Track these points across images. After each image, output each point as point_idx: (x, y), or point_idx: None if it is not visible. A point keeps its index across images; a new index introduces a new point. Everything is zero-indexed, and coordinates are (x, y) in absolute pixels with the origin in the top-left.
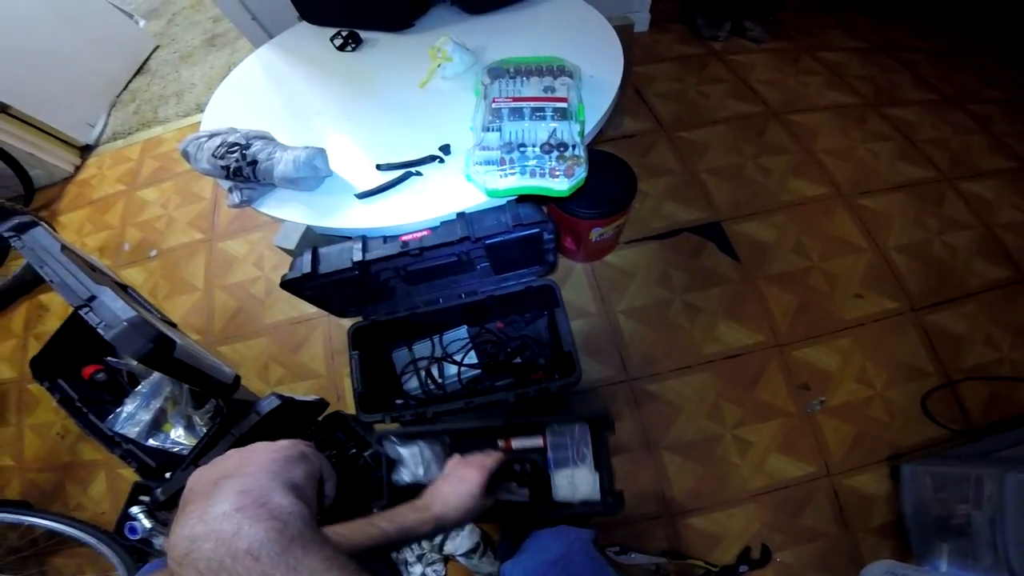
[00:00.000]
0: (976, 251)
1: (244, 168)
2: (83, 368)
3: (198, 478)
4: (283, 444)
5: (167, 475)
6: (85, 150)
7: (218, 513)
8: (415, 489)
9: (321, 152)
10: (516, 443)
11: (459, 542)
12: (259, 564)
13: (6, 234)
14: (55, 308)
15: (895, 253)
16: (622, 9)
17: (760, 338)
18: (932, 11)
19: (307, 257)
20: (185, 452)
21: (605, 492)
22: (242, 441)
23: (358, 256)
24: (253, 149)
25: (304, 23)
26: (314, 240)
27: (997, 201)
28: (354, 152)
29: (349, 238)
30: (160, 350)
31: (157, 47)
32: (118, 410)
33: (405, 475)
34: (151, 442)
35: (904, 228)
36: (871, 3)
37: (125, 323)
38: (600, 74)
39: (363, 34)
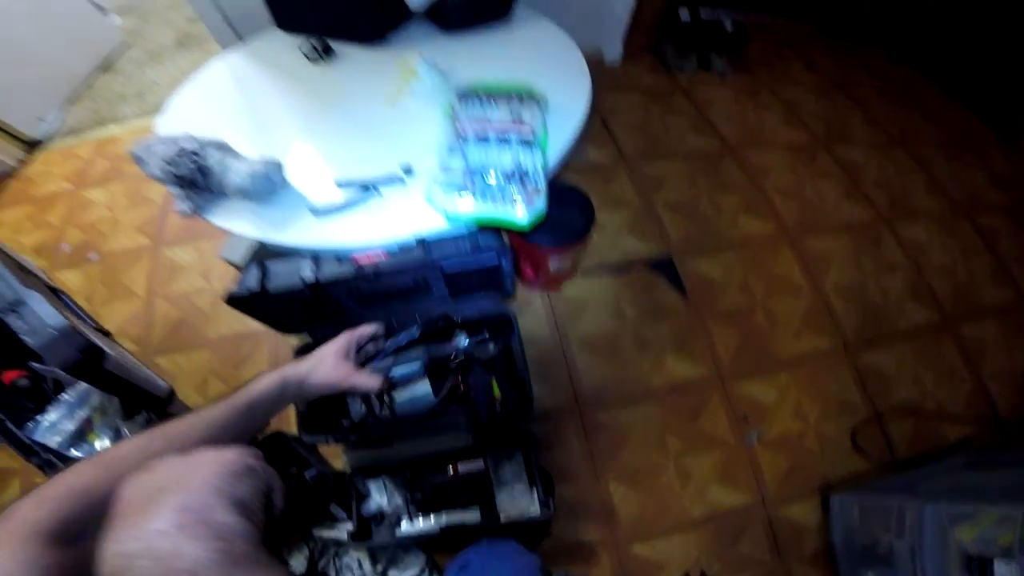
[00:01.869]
0: (907, 294)
1: (196, 177)
2: (4, 372)
3: (132, 487)
4: (229, 456)
5: None
6: (33, 145)
7: (155, 530)
8: (380, 517)
9: (278, 165)
10: (463, 467)
11: (403, 566)
12: None
13: None
14: None
15: (833, 295)
16: (596, 38)
17: (704, 371)
18: (887, 46)
19: (255, 273)
20: None
21: (541, 503)
22: None
23: (309, 276)
24: (207, 157)
25: (275, 28)
26: (262, 253)
27: (928, 242)
28: (313, 165)
29: (299, 253)
30: (89, 361)
31: (125, 43)
32: (39, 417)
33: (372, 505)
34: (74, 452)
35: (842, 269)
36: (831, 35)
37: (54, 331)
38: (567, 104)
39: (336, 46)
